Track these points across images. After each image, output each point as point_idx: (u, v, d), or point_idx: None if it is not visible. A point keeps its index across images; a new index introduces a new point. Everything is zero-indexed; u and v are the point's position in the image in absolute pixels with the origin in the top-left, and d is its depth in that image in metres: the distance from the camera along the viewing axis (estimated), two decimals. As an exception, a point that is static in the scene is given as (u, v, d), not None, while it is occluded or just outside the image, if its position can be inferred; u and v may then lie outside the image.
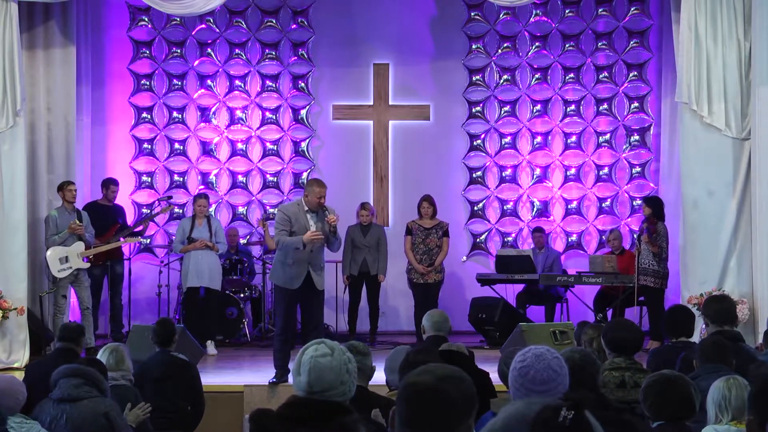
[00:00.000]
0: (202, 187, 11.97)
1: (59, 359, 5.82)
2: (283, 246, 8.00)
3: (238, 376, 8.59)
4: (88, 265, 9.83)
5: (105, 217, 10.54)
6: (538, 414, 2.47)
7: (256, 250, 11.80)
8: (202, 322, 10.03)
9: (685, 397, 3.91)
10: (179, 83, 12.09)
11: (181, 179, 12.11)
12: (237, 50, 12.08)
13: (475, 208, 12.24)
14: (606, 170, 12.23)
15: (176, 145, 12.10)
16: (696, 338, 7.08)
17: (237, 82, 12.13)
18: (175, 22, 11.91)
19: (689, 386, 3.95)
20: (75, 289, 9.78)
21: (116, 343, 6.38)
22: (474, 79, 12.16)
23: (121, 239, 10.48)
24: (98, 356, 5.82)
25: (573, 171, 12.23)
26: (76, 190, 9.87)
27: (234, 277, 11.02)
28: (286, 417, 3.20)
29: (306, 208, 8.00)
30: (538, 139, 12.23)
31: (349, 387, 3.28)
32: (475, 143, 12.21)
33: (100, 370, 5.25)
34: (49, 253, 9.56)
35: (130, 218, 11.35)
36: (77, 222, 9.67)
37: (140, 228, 11.02)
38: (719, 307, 6.08)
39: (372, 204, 11.82)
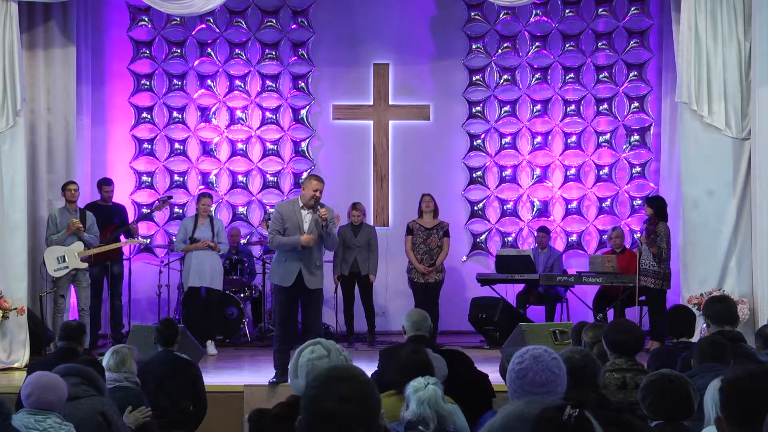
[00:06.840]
0: (202, 187, 11.95)
1: (60, 359, 5.79)
2: (277, 246, 8.11)
3: (238, 376, 8.58)
4: (85, 265, 9.79)
5: (104, 216, 10.53)
6: (541, 413, 2.46)
7: (257, 250, 11.79)
8: (202, 322, 10.03)
9: (683, 397, 3.90)
10: (179, 83, 12.08)
11: (181, 179, 12.10)
12: (237, 50, 12.07)
13: (475, 208, 12.23)
14: (606, 170, 12.22)
15: (176, 145, 12.09)
16: (697, 338, 7.07)
17: (237, 82, 12.12)
18: (175, 22, 11.91)
19: (688, 385, 3.94)
20: (75, 288, 9.79)
21: (123, 345, 6.34)
22: (474, 79, 12.16)
23: (122, 239, 10.46)
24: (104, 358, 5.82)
25: (573, 171, 12.22)
26: (78, 189, 9.86)
27: (234, 277, 11.02)
28: (284, 417, 3.20)
29: (301, 205, 8.05)
30: (538, 139, 12.22)
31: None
32: (475, 143, 12.20)
33: (98, 370, 5.24)
34: (46, 252, 9.57)
35: (132, 217, 11.34)
36: (76, 220, 9.66)
37: (135, 226, 10.96)
38: (720, 308, 6.08)
39: (372, 204, 11.81)
